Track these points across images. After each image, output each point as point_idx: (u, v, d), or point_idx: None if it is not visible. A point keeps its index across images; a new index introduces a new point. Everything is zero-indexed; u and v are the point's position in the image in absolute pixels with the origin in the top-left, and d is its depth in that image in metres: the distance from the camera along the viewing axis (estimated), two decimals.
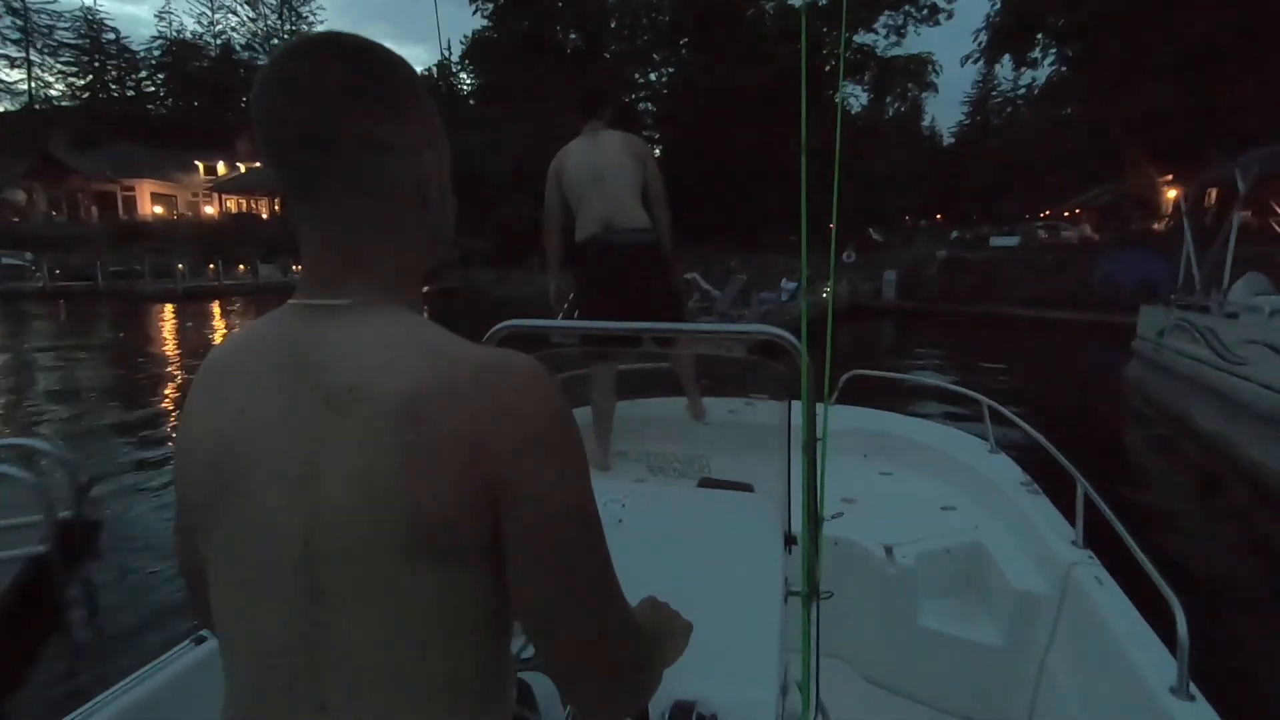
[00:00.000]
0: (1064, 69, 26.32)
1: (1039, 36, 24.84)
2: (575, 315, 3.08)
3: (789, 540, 1.33)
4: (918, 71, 34.37)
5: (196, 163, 45.91)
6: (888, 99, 38.44)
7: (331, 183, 0.59)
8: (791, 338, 1.26)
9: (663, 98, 35.70)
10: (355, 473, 0.53)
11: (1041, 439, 2.07)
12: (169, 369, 11.67)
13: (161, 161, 43.51)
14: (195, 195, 45.12)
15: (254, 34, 59.51)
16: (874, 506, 2.31)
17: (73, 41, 53.55)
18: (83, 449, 6.35)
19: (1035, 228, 28.29)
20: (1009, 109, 45.09)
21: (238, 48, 58.70)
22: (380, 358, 0.55)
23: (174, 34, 58.48)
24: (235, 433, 0.58)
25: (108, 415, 8.11)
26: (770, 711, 0.96)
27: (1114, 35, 20.31)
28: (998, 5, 24.59)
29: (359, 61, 0.58)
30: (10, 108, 53.15)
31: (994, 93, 48.26)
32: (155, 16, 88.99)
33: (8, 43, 51.65)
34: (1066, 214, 31.88)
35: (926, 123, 52.42)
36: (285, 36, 56.72)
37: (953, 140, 51.90)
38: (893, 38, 32.93)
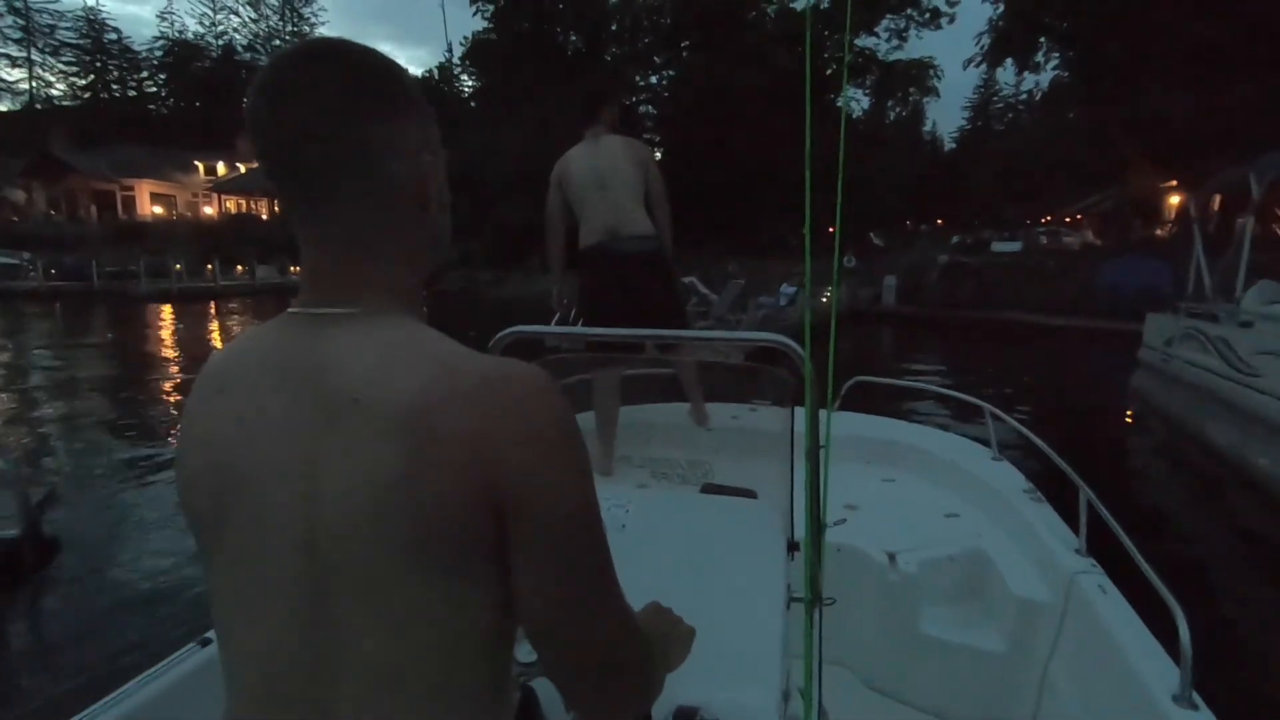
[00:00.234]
0: (1066, 74, 26.37)
1: (1041, 40, 24.83)
2: (578, 321, 3.10)
3: (792, 546, 1.33)
4: (919, 76, 34.47)
5: (196, 163, 46.09)
6: (889, 103, 38.58)
7: (331, 189, 0.58)
8: (795, 345, 1.27)
9: (662, 100, 35.82)
10: (359, 482, 0.53)
11: (1044, 446, 2.06)
12: (154, 373, 11.66)
13: (161, 161, 43.67)
14: (195, 196, 45.30)
15: (256, 35, 59.88)
16: (877, 513, 2.30)
17: (74, 41, 53.97)
18: (54, 457, 6.19)
19: (1037, 233, 28.35)
20: (1010, 114, 45.29)
21: (239, 48, 59.11)
22: (384, 367, 0.55)
23: (176, 34, 59.00)
24: (237, 441, 0.58)
25: (84, 420, 7.96)
26: (773, 717, 0.96)
27: (1114, 36, 20.32)
28: (1000, 8, 24.63)
29: (356, 67, 0.58)
30: (11, 107, 53.45)
31: (996, 97, 48.48)
32: (157, 17, 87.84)
33: (9, 42, 52.04)
34: (1068, 219, 31.96)
35: (928, 127, 52.73)
36: (287, 38, 57.09)
37: (954, 145, 52.15)
38: (894, 41, 33.11)
